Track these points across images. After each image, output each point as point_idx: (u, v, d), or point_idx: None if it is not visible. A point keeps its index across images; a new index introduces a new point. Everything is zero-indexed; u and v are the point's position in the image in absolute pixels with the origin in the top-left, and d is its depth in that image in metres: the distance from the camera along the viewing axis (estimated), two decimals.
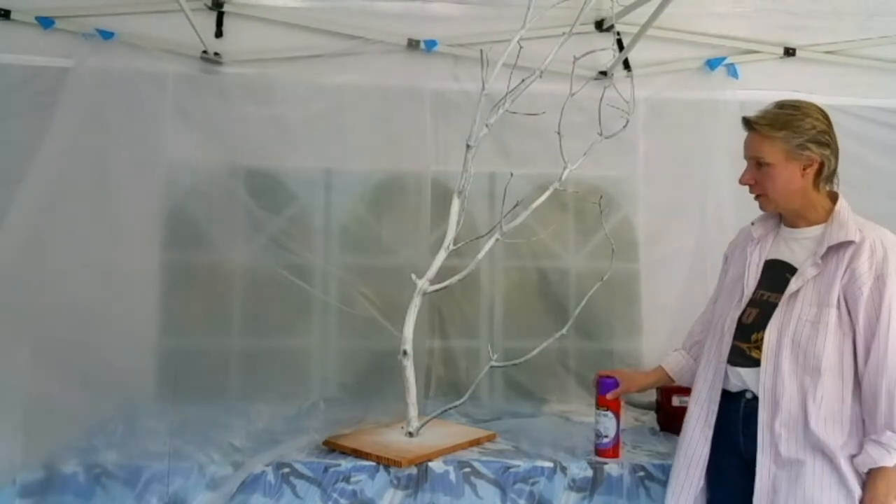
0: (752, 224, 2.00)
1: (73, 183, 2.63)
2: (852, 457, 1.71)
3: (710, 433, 1.91)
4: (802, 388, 1.75)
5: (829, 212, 1.84)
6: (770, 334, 1.80)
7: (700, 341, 2.14)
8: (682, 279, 2.91)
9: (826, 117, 1.85)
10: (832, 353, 1.73)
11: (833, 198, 1.87)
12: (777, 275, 1.87)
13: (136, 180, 2.74)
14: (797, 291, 1.79)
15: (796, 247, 1.88)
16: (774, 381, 1.78)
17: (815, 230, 1.85)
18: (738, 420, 1.87)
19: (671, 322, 2.87)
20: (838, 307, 1.74)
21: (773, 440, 1.76)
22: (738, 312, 1.90)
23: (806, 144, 1.81)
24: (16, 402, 2.24)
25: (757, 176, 1.87)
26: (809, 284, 1.79)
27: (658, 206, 2.98)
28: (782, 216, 1.94)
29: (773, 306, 1.83)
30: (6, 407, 2.17)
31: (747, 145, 1.90)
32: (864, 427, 1.73)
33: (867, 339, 1.71)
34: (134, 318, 2.67)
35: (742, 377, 1.86)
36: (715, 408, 1.91)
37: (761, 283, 1.90)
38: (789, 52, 3.02)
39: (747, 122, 1.88)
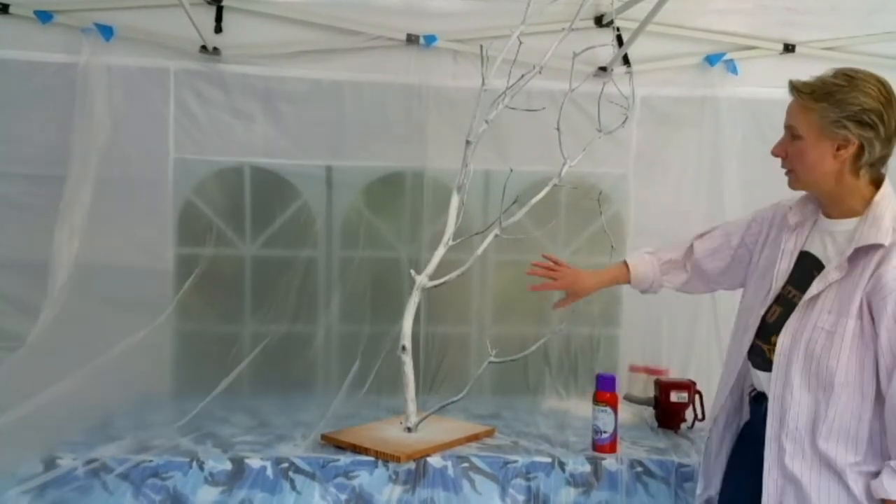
0: (790, 209, 1.78)
1: (96, 179, 2.68)
2: (870, 475, 1.55)
3: (731, 429, 1.85)
4: (815, 402, 1.59)
5: (869, 202, 1.62)
6: (783, 340, 1.65)
7: (675, 261, 2.07)
8: None
9: (885, 95, 1.59)
10: (850, 367, 1.55)
11: (878, 183, 1.63)
12: (805, 271, 1.69)
13: (147, 175, 2.78)
14: (817, 296, 1.61)
15: (829, 241, 1.68)
16: (783, 391, 1.63)
17: (850, 224, 1.64)
18: (760, 424, 1.72)
19: (649, 313, 2.93)
20: (860, 317, 1.55)
21: (780, 454, 1.63)
22: (764, 309, 1.75)
23: (843, 122, 1.58)
24: (17, 395, 2.25)
25: (789, 149, 1.67)
26: (832, 289, 1.60)
27: (651, 203, 2.97)
28: (819, 202, 1.74)
29: (795, 306, 1.66)
30: (7, 401, 2.18)
31: (787, 111, 1.68)
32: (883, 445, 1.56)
33: (888, 362, 1.52)
34: (143, 313, 2.68)
35: (760, 380, 1.75)
36: (736, 403, 1.83)
37: (791, 278, 1.73)
38: (789, 48, 3.01)
39: (791, 86, 1.66)
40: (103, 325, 2.58)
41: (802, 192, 1.77)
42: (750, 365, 1.79)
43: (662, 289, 2.14)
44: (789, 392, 1.62)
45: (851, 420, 1.56)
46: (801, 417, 1.60)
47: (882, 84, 1.60)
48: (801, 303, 1.64)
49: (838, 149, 1.60)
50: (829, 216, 1.70)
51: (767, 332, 1.74)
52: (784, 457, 1.62)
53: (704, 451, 1.92)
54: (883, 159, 1.62)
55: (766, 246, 1.86)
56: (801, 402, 1.61)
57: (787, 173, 1.71)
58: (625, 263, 2.12)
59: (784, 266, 1.74)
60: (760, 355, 1.75)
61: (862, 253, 1.57)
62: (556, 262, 2.18)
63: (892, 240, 1.54)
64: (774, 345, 1.68)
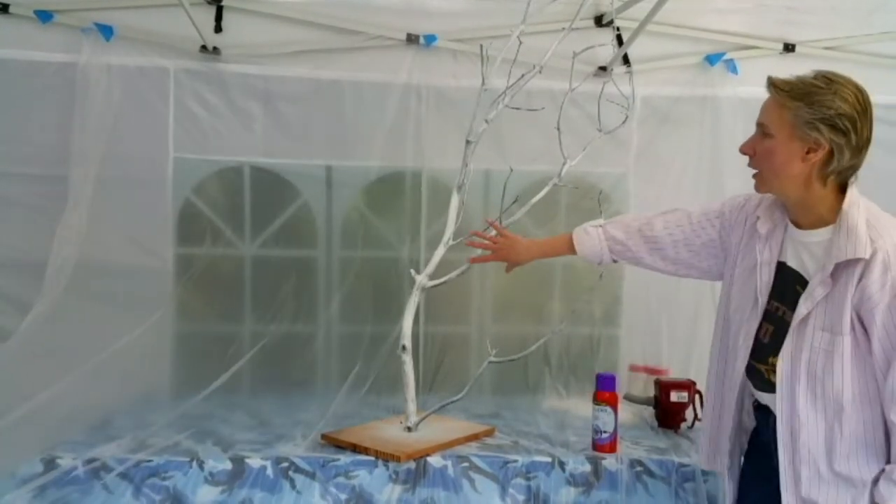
0: (759, 218, 1.75)
1: (97, 179, 2.69)
2: None
3: (738, 439, 1.81)
4: (827, 423, 1.56)
5: (837, 212, 1.58)
6: (783, 363, 1.62)
7: (623, 242, 1.97)
8: (664, 276, 2.93)
9: (861, 103, 1.55)
10: (855, 382, 1.54)
11: (844, 191, 1.60)
12: (789, 285, 1.66)
13: (147, 175, 2.79)
14: (808, 315, 1.58)
15: (804, 253, 1.64)
16: (791, 416, 1.60)
17: (823, 234, 1.60)
18: (768, 433, 1.70)
19: (649, 313, 2.95)
20: (853, 332, 1.53)
21: (796, 480, 1.60)
22: (755, 326, 1.71)
23: (816, 124, 1.53)
24: (17, 393, 2.25)
25: (758, 147, 1.62)
26: (820, 307, 1.57)
27: (651, 202, 2.96)
28: (786, 209, 1.70)
29: (788, 325, 1.62)
30: (7, 399, 2.18)
31: (761, 108, 1.64)
32: None
33: (882, 367, 1.51)
34: (142, 312, 2.69)
35: (764, 399, 1.72)
36: (735, 416, 1.79)
37: (775, 291, 1.69)
38: (789, 47, 3.02)
39: (770, 82, 1.61)
40: (103, 324, 2.59)
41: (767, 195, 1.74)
42: (748, 384, 1.76)
43: (618, 262, 2.08)
44: (797, 417, 1.59)
45: (866, 432, 1.54)
46: (813, 440, 1.58)
47: (860, 91, 1.57)
48: (794, 324, 1.61)
49: (808, 152, 1.56)
50: (798, 226, 1.66)
51: (763, 352, 1.70)
52: (800, 483, 1.59)
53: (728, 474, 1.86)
54: (852, 169, 1.58)
55: (740, 253, 1.80)
56: (810, 425, 1.58)
57: (754, 175, 1.67)
58: (570, 237, 2.07)
59: (765, 279, 1.70)
60: (760, 377, 1.72)
61: (842, 266, 1.54)
62: (499, 232, 2.16)
63: (872, 250, 1.50)
64: (773, 366, 1.65)
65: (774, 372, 1.64)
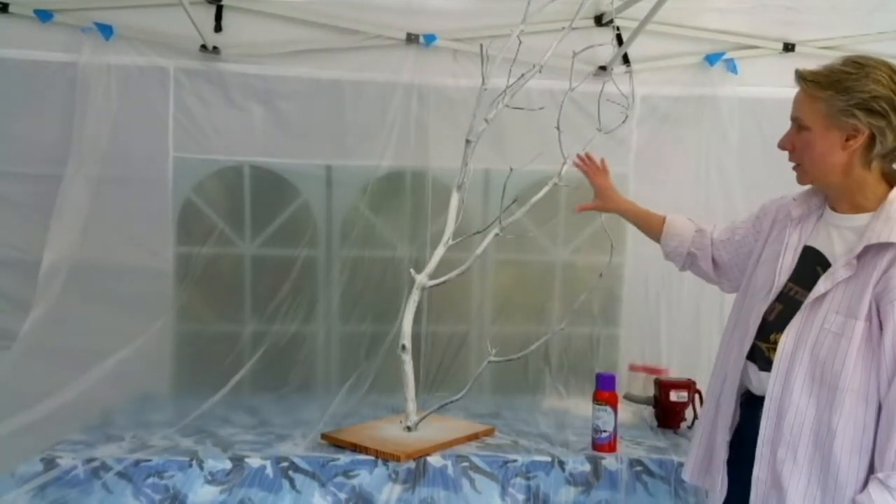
0: (794, 200, 1.72)
1: (97, 179, 2.70)
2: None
3: (727, 437, 1.72)
4: (817, 408, 1.52)
5: (882, 199, 1.54)
6: (786, 340, 1.57)
7: (705, 238, 2.01)
8: (664, 275, 2.93)
9: None
10: (857, 372, 1.47)
11: (890, 179, 1.57)
12: (809, 267, 1.62)
13: (147, 174, 2.79)
14: (824, 295, 1.54)
15: (836, 236, 1.60)
16: (782, 394, 1.56)
17: (860, 219, 1.56)
18: (752, 429, 1.64)
19: (649, 313, 2.97)
20: (868, 320, 1.47)
21: (771, 458, 1.57)
22: (765, 306, 1.66)
23: (851, 110, 1.50)
24: (18, 393, 2.26)
25: (796, 141, 1.60)
26: (839, 288, 1.52)
27: (651, 202, 2.95)
28: (827, 196, 1.67)
29: (799, 305, 1.58)
30: (9, 398, 2.19)
31: (793, 102, 1.62)
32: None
33: (891, 365, 1.44)
34: (142, 312, 2.68)
35: (761, 380, 1.65)
36: (730, 409, 1.72)
37: (794, 274, 1.65)
38: (788, 47, 3.01)
39: (798, 75, 1.59)
40: (103, 324, 2.59)
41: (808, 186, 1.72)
42: (748, 366, 1.71)
43: (687, 265, 2.08)
44: (788, 396, 1.55)
45: (856, 431, 1.48)
46: (799, 423, 1.54)
47: (893, 71, 1.52)
48: (807, 302, 1.56)
49: (847, 139, 1.53)
50: (836, 210, 1.63)
51: (767, 330, 1.66)
52: (774, 464, 1.56)
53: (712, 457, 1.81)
54: (895, 150, 1.55)
55: (767, 244, 1.78)
56: (800, 407, 1.54)
57: (794, 168, 1.64)
58: (663, 218, 2.12)
59: (788, 262, 1.67)
60: (760, 355, 1.67)
61: (873, 251, 1.49)
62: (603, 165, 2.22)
63: None
64: (774, 343, 1.61)
65: (774, 349, 1.60)
